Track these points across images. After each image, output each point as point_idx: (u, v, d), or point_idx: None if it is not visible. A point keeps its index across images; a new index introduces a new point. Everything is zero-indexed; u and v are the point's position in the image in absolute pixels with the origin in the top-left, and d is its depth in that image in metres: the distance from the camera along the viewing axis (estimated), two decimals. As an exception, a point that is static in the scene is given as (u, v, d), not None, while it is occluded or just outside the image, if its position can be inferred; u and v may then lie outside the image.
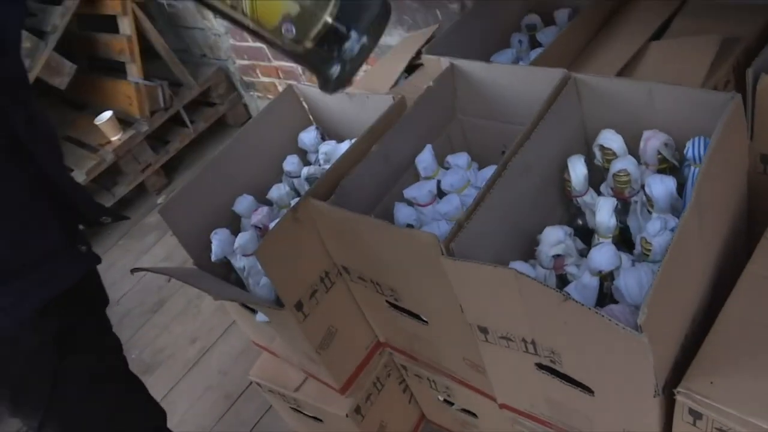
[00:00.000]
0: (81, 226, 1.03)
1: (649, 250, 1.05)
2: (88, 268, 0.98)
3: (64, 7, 2.60)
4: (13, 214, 0.86)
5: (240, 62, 2.94)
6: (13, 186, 0.85)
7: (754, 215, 1.18)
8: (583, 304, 0.83)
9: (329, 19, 0.70)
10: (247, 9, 0.68)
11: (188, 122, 3.08)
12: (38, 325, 0.93)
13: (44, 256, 0.90)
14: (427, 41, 1.76)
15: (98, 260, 1.00)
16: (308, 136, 1.51)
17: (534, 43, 1.64)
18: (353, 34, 0.72)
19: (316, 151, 1.49)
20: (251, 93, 3.10)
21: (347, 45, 0.72)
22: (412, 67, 1.75)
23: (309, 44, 0.71)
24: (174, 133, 3.14)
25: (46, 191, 0.92)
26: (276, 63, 2.74)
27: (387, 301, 1.25)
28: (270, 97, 3.02)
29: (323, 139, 1.52)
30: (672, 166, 1.14)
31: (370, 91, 1.66)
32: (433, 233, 0.97)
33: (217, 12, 0.70)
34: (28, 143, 0.89)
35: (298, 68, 2.66)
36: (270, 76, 2.86)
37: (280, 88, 2.90)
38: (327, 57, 0.72)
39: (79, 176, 2.77)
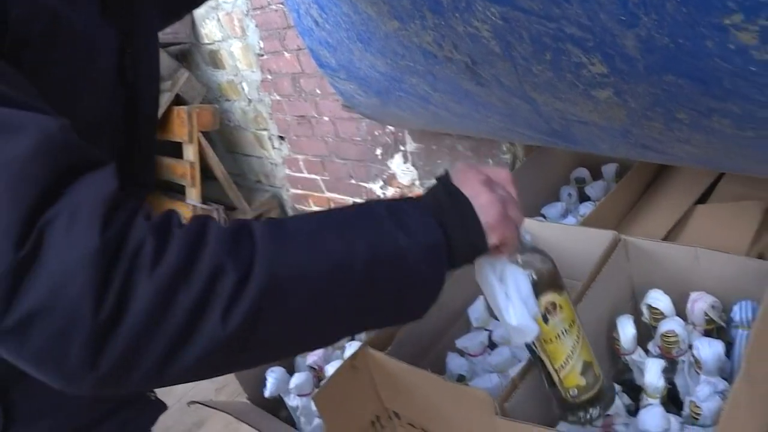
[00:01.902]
0: None
1: (699, 414, 1.07)
2: (161, 413, 1.02)
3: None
4: None
5: (293, 191, 3.07)
6: None
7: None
8: (634, 474, 0.85)
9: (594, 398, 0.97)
10: (557, 374, 0.93)
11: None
12: None
13: (123, 404, 0.94)
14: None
15: (165, 406, 1.04)
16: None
17: (582, 196, 1.72)
18: (598, 410, 0.98)
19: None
20: (302, 221, 3.21)
21: (593, 412, 0.97)
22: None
23: (577, 401, 0.96)
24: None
25: None
26: (329, 194, 2.86)
27: (437, 449, 1.27)
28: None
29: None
30: (719, 327, 1.18)
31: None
32: (486, 391, 1.01)
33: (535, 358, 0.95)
34: None
35: (350, 201, 2.77)
36: (322, 206, 2.98)
37: (331, 217, 3.00)
38: (578, 410, 0.97)
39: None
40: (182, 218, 0.60)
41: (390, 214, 0.66)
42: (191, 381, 0.57)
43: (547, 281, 0.84)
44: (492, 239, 0.70)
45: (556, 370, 0.93)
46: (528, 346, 0.94)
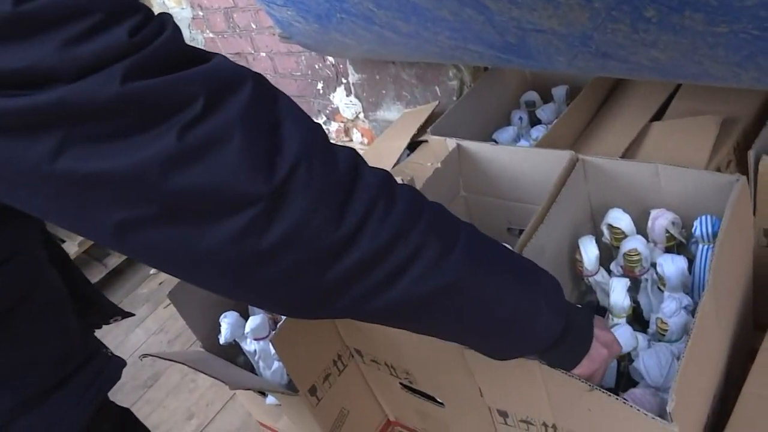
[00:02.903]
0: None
1: (666, 330, 1.06)
2: (122, 368, 0.97)
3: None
4: (66, 336, 0.85)
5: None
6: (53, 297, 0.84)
7: (756, 286, 1.20)
8: (609, 394, 0.83)
9: None
10: None
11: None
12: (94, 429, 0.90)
13: (83, 363, 0.87)
14: (428, 118, 1.79)
15: (124, 363, 0.99)
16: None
17: (533, 120, 1.68)
18: None
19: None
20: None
21: None
22: (413, 144, 1.77)
23: None
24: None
25: (70, 299, 0.91)
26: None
27: (401, 383, 1.24)
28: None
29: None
30: (680, 243, 1.16)
31: (373, 168, 1.68)
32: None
33: None
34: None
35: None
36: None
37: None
38: None
39: (71, 248, 2.75)
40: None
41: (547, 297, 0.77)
42: (377, 322, 0.68)
43: None
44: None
45: None
46: None
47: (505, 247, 0.77)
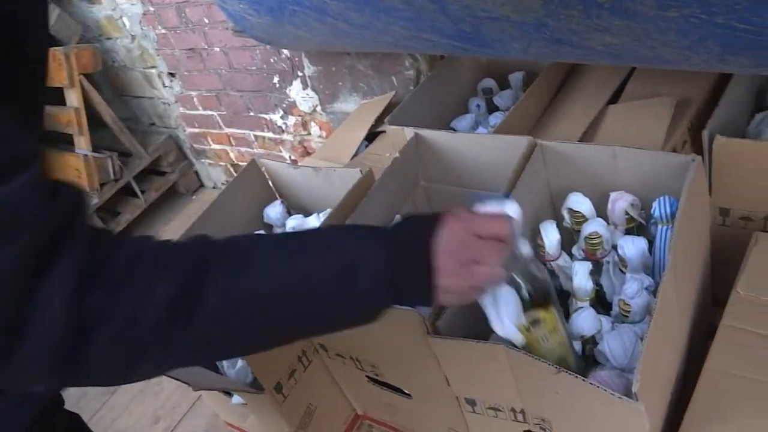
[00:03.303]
0: None
1: (628, 312, 1.07)
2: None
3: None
4: (33, 406, 0.84)
5: (190, 130, 2.92)
6: None
7: (714, 264, 1.22)
8: (577, 376, 0.84)
9: None
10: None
11: (139, 193, 3.03)
12: None
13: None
14: (385, 108, 1.78)
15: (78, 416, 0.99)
16: (274, 211, 1.51)
17: (491, 107, 1.68)
18: None
19: (283, 226, 1.48)
20: (202, 160, 3.08)
21: None
22: (371, 135, 1.76)
23: None
24: (125, 204, 3.08)
25: None
26: (228, 130, 2.73)
27: (367, 377, 1.24)
28: (222, 164, 3.01)
29: (289, 213, 1.51)
30: (639, 224, 1.18)
31: (332, 160, 1.67)
32: (417, 311, 0.97)
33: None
34: None
35: (251, 134, 2.66)
36: (221, 143, 2.85)
37: (232, 155, 2.88)
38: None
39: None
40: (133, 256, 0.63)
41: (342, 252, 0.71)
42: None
43: (537, 298, 0.86)
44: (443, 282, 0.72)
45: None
46: None
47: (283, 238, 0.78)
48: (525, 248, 0.83)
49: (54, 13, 2.62)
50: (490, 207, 0.78)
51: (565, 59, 1.11)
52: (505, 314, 0.83)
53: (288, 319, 0.70)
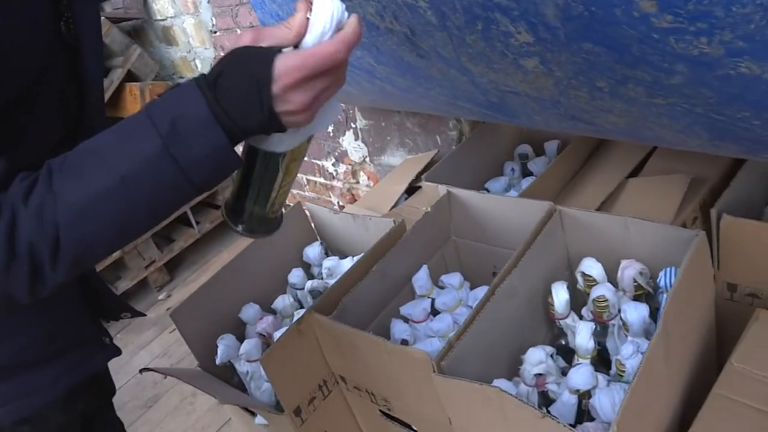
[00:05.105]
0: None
1: (623, 371, 1.14)
2: (111, 358, 1.08)
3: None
4: (51, 312, 0.97)
5: (248, 169, 3.08)
6: None
7: (722, 338, 1.28)
8: (559, 421, 0.91)
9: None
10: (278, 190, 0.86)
11: (194, 223, 3.20)
12: (66, 407, 1.03)
13: (74, 346, 1.01)
14: (427, 165, 1.90)
15: (119, 351, 1.10)
16: (313, 251, 1.62)
17: (525, 172, 1.78)
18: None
19: (320, 266, 1.59)
20: (257, 199, 3.23)
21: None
22: (412, 188, 1.88)
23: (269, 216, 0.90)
24: (180, 232, 3.25)
25: (79, 289, 1.03)
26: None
27: (380, 410, 1.32)
28: (274, 202, 3.15)
29: (327, 254, 1.63)
30: (647, 293, 1.25)
31: (372, 210, 1.79)
32: (425, 351, 1.06)
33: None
34: None
35: (303, 178, 2.80)
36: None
37: (285, 196, 3.02)
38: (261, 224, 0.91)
39: (86, 271, 2.86)
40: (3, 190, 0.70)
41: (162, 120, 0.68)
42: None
43: None
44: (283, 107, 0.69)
45: (279, 186, 0.87)
46: (271, 157, 0.82)
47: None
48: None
49: (135, 51, 2.83)
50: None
51: (583, 133, 1.21)
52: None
53: (144, 201, 0.70)
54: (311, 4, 0.72)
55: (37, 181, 0.69)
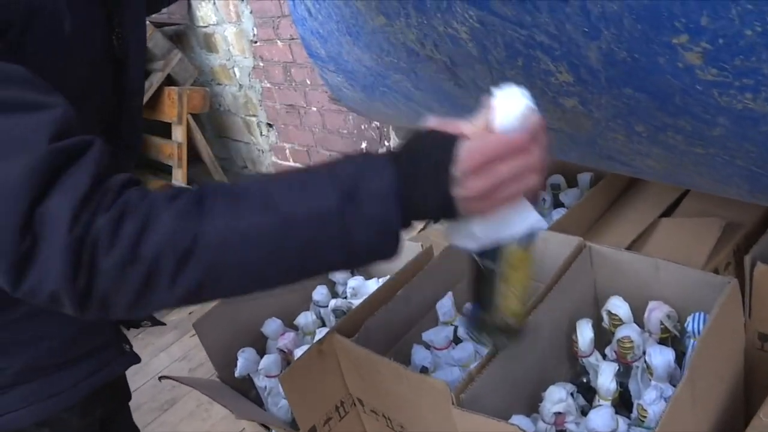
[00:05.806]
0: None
1: (645, 417, 1.12)
2: (131, 365, 1.10)
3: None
4: (76, 320, 0.99)
5: (279, 179, 3.10)
6: None
7: (750, 389, 1.25)
8: (574, 465, 0.90)
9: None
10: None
11: (221, 230, 3.22)
12: (85, 411, 1.06)
13: (96, 352, 1.04)
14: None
15: (138, 359, 1.12)
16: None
17: (557, 203, 1.76)
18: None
19: (345, 284, 1.59)
20: (286, 208, 3.25)
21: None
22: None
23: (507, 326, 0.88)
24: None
25: None
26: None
27: (395, 436, 1.31)
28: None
29: (352, 274, 1.62)
30: (674, 336, 1.23)
31: (400, 230, 1.78)
32: (445, 381, 1.05)
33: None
34: None
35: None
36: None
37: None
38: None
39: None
40: (143, 193, 0.68)
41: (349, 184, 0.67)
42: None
43: None
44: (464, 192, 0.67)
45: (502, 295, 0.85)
46: (476, 260, 0.82)
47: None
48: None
49: (176, 56, 2.87)
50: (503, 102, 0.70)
51: (618, 172, 1.19)
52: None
53: (294, 252, 0.66)
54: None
55: (183, 191, 0.67)
